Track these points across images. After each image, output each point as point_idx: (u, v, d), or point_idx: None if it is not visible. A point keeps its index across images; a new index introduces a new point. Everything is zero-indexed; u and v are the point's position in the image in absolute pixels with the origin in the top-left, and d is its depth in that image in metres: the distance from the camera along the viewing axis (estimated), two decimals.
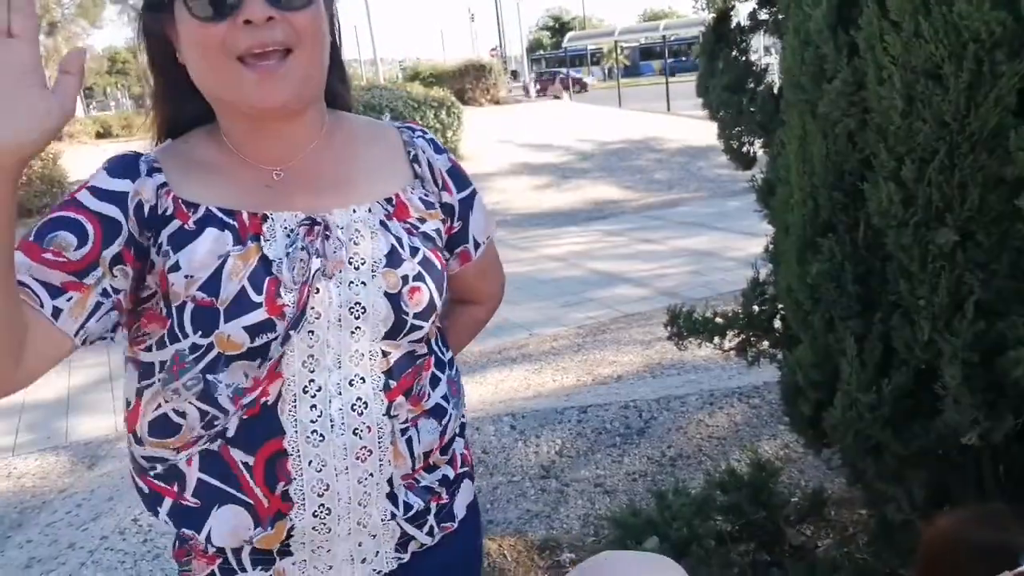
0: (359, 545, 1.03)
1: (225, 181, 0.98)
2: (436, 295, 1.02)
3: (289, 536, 0.98)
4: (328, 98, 1.04)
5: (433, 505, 1.08)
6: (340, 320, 0.96)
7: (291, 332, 0.93)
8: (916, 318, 1.57)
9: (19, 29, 0.72)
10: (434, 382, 1.07)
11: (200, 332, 0.92)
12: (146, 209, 0.94)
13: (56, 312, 0.89)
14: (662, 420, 3.45)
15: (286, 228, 0.96)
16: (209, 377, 0.94)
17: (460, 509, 1.13)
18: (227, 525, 0.97)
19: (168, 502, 1.00)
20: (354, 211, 1.00)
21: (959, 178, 1.44)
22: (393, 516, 1.04)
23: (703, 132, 10.33)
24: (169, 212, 0.95)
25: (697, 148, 13.85)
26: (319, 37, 0.95)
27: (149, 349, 0.97)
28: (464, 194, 1.13)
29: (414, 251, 1.01)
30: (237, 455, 0.96)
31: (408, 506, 1.05)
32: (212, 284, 0.92)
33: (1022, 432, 1.56)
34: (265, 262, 0.93)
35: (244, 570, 1.02)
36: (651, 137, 15.60)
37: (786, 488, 2.54)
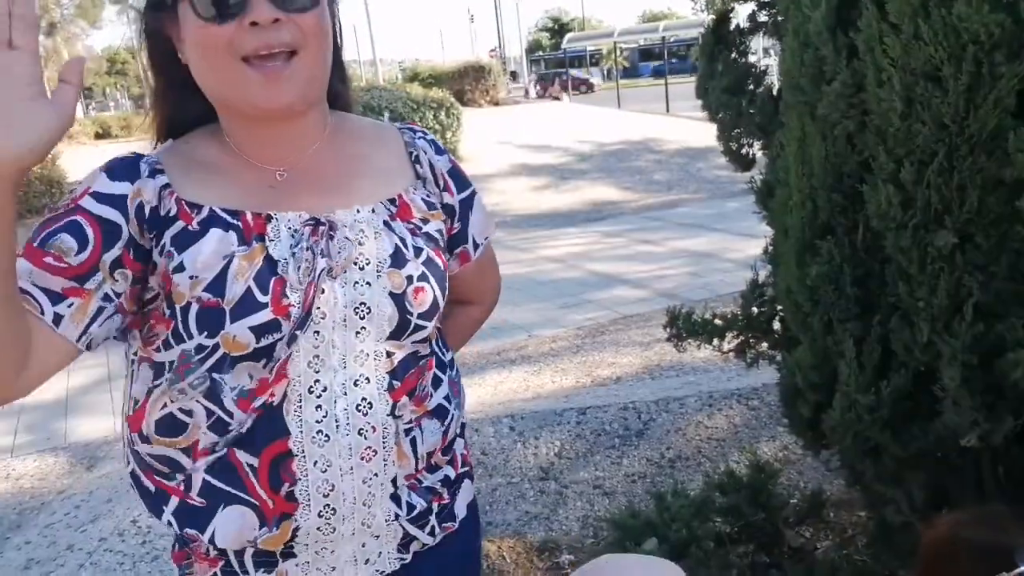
0: (362, 546, 1.03)
1: (228, 181, 0.98)
2: (439, 295, 1.02)
3: (294, 537, 0.99)
4: (329, 99, 1.04)
5: (435, 505, 1.09)
6: (345, 320, 0.96)
7: (297, 332, 0.93)
8: (915, 320, 1.57)
9: (20, 41, 0.73)
10: (436, 383, 1.07)
11: (206, 333, 0.92)
12: (147, 210, 0.94)
13: (57, 319, 0.89)
14: (661, 422, 3.45)
15: (290, 228, 0.96)
16: (215, 376, 0.94)
17: (461, 509, 1.14)
18: (232, 526, 0.97)
19: (175, 501, 0.99)
20: (358, 211, 1.00)
21: (958, 180, 1.44)
22: (397, 517, 1.04)
23: (702, 133, 10.34)
24: (172, 213, 0.95)
25: (696, 149, 13.86)
26: (324, 38, 0.96)
27: (159, 349, 0.97)
28: (464, 195, 1.14)
29: (418, 251, 1.01)
30: (242, 456, 0.96)
31: (411, 506, 1.05)
32: (217, 285, 0.92)
33: (1021, 434, 1.56)
34: (270, 262, 0.93)
35: (246, 572, 1.02)
36: (650, 138, 15.60)
37: (785, 490, 2.54)
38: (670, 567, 1.03)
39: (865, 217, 1.62)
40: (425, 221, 1.06)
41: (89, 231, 0.91)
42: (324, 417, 0.96)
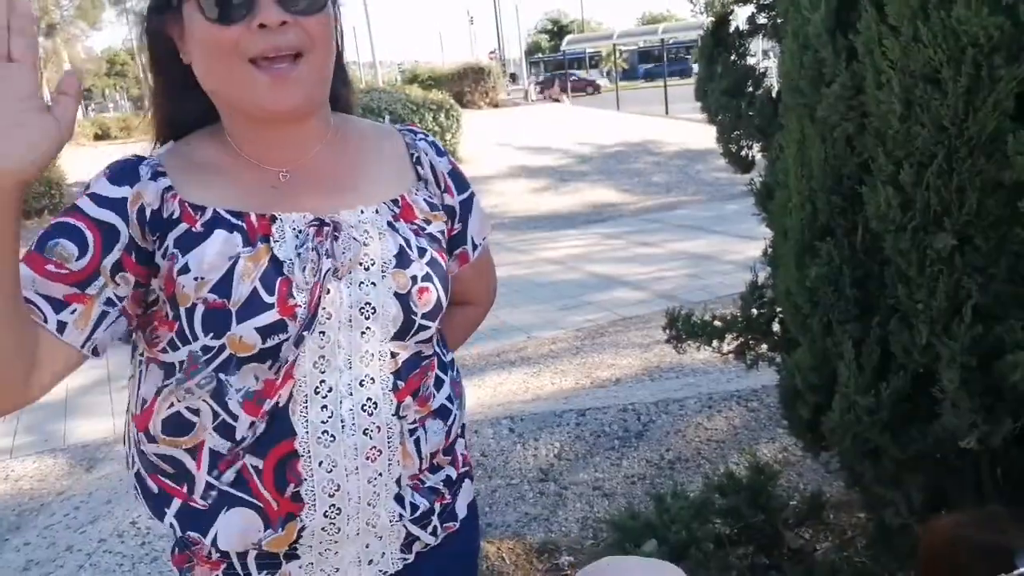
0: (366, 547, 1.04)
1: (230, 183, 0.98)
2: (443, 295, 1.03)
3: (299, 538, 0.99)
4: (331, 100, 1.05)
5: (437, 505, 1.09)
6: (351, 321, 0.96)
7: (305, 333, 0.93)
8: (914, 322, 1.57)
9: (19, 54, 0.74)
10: (438, 383, 1.08)
11: (212, 334, 0.92)
12: (148, 213, 0.94)
13: (61, 326, 0.89)
14: (660, 423, 3.45)
15: (295, 229, 0.96)
16: (221, 376, 0.94)
17: (462, 509, 1.14)
18: (235, 528, 0.97)
19: (177, 503, 1.00)
20: (362, 212, 1.00)
21: (957, 182, 1.44)
22: (400, 517, 1.04)
23: (701, 135, 10.34)
24: (175, 216, 0.95)
25: (695, 151, 13.87)
26: (329, 41, 0.96)
27: (165, 351, 0.97)
28: (464, 196, 1.14)
29: (422, 252, 1.02)
30: (248, 459, 0.96)
31: (414, 507, 1.06)
32: (223, 286, 0.92)
33: (1020, 436, 1.57)
34: (276, 263, 0.93)
35: (249, 575, 1.01)
36: (649, 140, 15.62)
37: (784, 491, 2.54)
38: (671, 569, 1.03)
39: (864, 219, 1.63)
40: (428, 222, 1.06)
41: (89, 235, 0.91)
42: (330, 417, 0.96)
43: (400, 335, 1.00)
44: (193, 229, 0.94)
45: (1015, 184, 1.42)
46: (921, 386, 1.63)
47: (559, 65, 41.94)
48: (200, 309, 0.92)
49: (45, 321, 0.89)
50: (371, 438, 0.98)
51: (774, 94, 2.34)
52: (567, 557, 2.61)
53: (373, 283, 0.97)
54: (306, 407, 0.95)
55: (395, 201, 1.04)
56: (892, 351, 1.64)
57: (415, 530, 1.06)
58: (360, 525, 1.01)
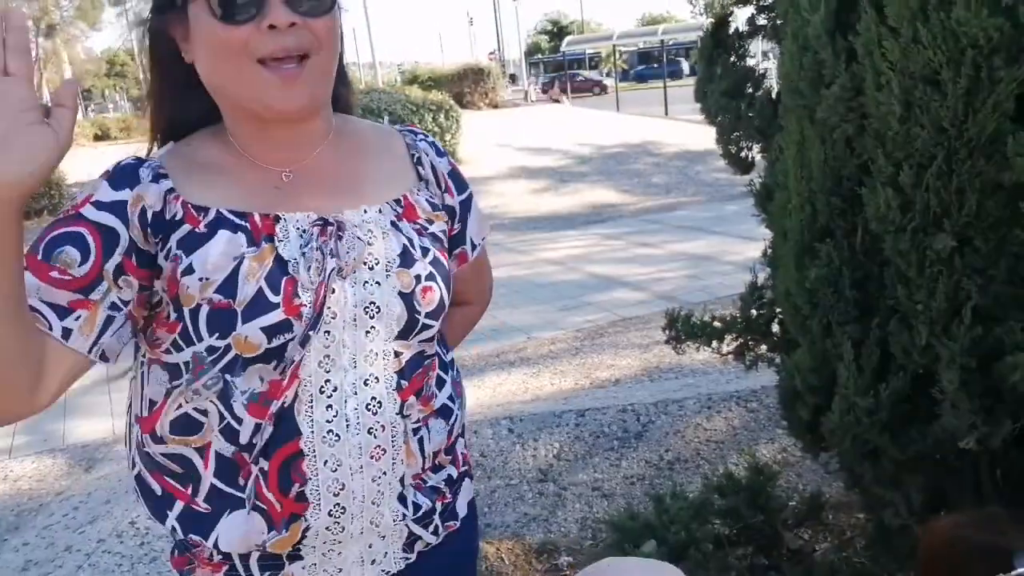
0: (369, 546, 1.04)
1: (233, 183, 0.99)
2: (445, 294, 1.03)
3: (303, 538, 0.99)
4: (331, 100, 1.05)
5: (439, 505, 1.09)
6: (355, 320, 0.97)
7: (310, 333, 0.93)
8: (914, 323, 1.57)
9: (15, 68, 0.74)
10: (440, 383, 1.08)
11: (217, 335, 0.92)
12: (150, 215, 0.94)
13: (66, 333, 0.89)
14: (660, 424, 3.45)
15: (299, 229, 0.96)
16: (227, 377, 0.95)
17: (462, 508, 1.15)
18: (238, 531, 0.97)
19: (179, 506, 0.99)
20: (365, 212, 1.01)
21: (957, 184, 1.45)
22: (403, 517, 1.04)
23: (701, 136, 10.35)
24: (178, 217, 0.95)
25: (695, 152, 13.87)
26: (335, 43, 0.97)
27: (168, 352, 0.97)
28: (463, 196, 1.15)
29: (425, 251, 1.02)
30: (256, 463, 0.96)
31: (417, 506, 1.06)
32: (228, 286, 0.92)
33: (1020, 437, 1.57)
34: (281, 263, 0.94)
35: None
36: (649, 141, 15.62)
37: (784, 492, 2.54)
38: (670, 570, 1.04)
39: (864, 220, 1.63)
40: (430, 222, 1.07)
41: (90, 240, 0.91)
42: (335, 417, 0.96)
43: (404, 334, 1.00)
44: (196, 230, 0.94)
45: (1015, 185, 1.42)
46: (921, 387, 1.63)
47: (559, 66, 41.80)
48: (205, 310, 0.92)
49: (50, 328, 0.89)
50: (376, 437, 0.98)
51: (774, 95, 2.34)
52: (566, 557, 2.61)
53: (377, 282, 0.98)
54: (311, 407, 0.96)
55: (398, 201, 1.05)
56: (892, 352, 1.65)
57: (417, 529, 1.07)
58: (364, 524, 1.01)
